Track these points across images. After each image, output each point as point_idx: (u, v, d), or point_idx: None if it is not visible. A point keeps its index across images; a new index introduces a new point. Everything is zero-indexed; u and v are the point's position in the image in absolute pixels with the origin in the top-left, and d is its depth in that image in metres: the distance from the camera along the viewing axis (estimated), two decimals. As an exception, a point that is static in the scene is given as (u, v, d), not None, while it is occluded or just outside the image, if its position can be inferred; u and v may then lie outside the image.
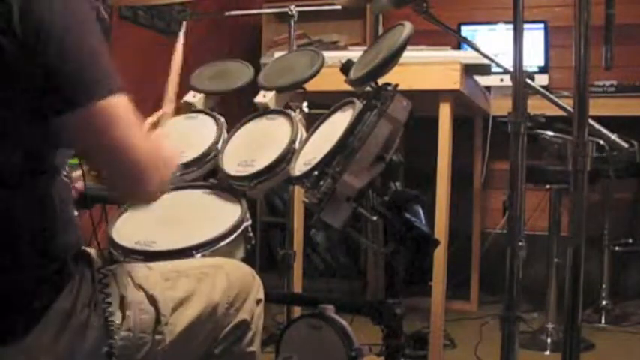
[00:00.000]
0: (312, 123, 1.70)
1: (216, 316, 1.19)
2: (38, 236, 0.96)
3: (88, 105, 0.93)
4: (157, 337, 1.08)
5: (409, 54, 1.64)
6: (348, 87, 1.67)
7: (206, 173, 1.74)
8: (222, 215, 1.57)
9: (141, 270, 1.15)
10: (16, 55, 0.89)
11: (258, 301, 1.29)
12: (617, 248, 3.23)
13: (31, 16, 0.89)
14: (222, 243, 1.48)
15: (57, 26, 0.91)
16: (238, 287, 1.24)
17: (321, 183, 1.44)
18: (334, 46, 3.61)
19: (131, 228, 1.53)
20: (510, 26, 1.53)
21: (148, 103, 3.30)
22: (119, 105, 0.96)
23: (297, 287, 2.50)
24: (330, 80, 1.77)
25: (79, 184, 1.31)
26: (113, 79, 0.97)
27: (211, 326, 1.18)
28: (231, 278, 1.24)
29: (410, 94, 1.54)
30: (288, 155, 1.62)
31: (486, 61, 2.30)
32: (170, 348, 1.10)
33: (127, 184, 1.02)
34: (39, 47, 0.89)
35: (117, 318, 1.04)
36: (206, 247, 1.45)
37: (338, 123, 1.57)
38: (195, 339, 1.16)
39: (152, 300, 1.09)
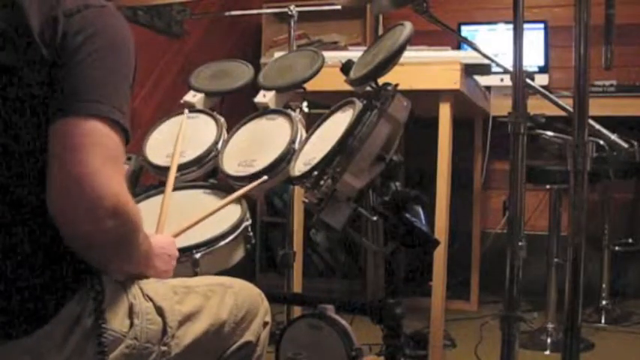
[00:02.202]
0: (312, 123, 1.70)
1: (223, 334, 1.19)
2: (54, 237, 0.97)
3: (84, 117, 0.93)
4: (163, 348, 1.09)
5: (409, 54, 1.64)
6: (348, 87, 1.67)
7: (206, 173, 1.74)
8: (222, 215, 1.57)
9: (150, 282, 1.15)
10: (51, 64, 0.95)
11: (265, 324, 1.30)
12: (617, 248, 3.23)
13: (72, 34, 0.96)
14: (222, 242, 1.48)
15: (91, 45, 0.97)
16: (246, 307, 1.25)
17: (321, 183, 1.44)
18: (334, 46, 3.61)
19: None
20: (510, 26, 1.53)
21: (148, 103, 3.30)
22: (113, 140, 0.96)
23: (297, 287, 2.50)
24: (330, 80, 1.77)
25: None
26: (121, 112, 0.97)
27: (217, 344, 1.19)
28: (240, 298, 1.25)
29: (410, 94, 1.54)
30: (288, 155, 1.62)
31: (486, 61, 2.30)
32: None
33: (77, 213, 0.93)
34: (68, 59, 0.95)
35: (124, 326, 1.04)
36: (206, 246, 1.45)
37: (338, 123, 1.57)
38: (201, 355, 1.16)
39: (160, 311, 1.10)
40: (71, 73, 0.96)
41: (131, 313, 1.06)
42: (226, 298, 1.22)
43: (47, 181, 0.93)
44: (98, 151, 0.93)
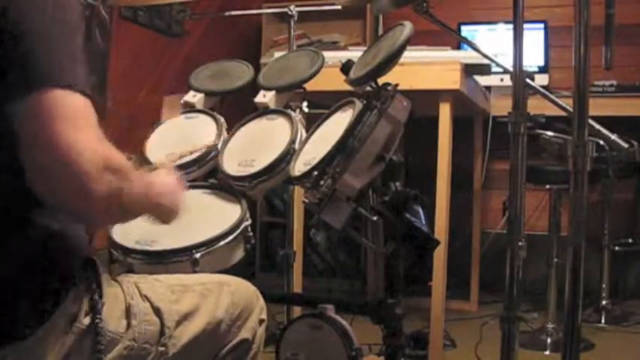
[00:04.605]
0: (312, 123, 1.70)
1: (219, 333, 1.19)
2: (43, 239, 0.96)
3: (39, 91, 0.88)
4: (160, 349, 1.08)
5: (409, 54, 1.64)
6: (348, 87, 1.67)
7: (206, 173, 1.74)
8: (222, 215, 1.57)
9: (148, 281, 1.15)
10: None
11: (260, 322, 1.30)
12: (617, 248, 3.23)
13: (12, 7, 0.90)
14: (222, 242, 1.48)
15: (36, 15, 0.91)
16: (242, 306, 1.25)
17: (321, 183, 1.44)
18: (334, 46, 3.61)
19: (131, 228, 1.53)
20: (510, 26, 1.53)
21: (148, 102, 3.31)
22: (73, 104, 0.90)
23: (297, 287, 2.50)
24: (330, 80, 1.77)
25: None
26: (74, 76, 0.91)
27: (213, 342, 1.19)
28: (236, 296, 1.24)
29: (410, 94, 1.54)
30: (288, 155, 1.62)
31: (486, 61, 2.30)
32: None
33: (66, 189, 0.88)
34: (11, 31, 0.90)
35: (122, 327, 1.04)
36: (206, 246, 1.45)
37: (338, 123, 1.57)
38: (197, 354, 1.16)
39: (157, 312, 1.09)
40: (18, 47, 0.90)
41: (128, 313, 1.05)
42: (222, 296, 1.22)
43: (27, 165, 0.88)
44: (72, 123, 0.88)
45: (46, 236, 0.96)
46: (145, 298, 1.10)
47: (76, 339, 0.98)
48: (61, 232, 0.97)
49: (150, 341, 1.07)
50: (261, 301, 1.32)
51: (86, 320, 0.99)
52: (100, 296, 1.01)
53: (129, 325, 1.05)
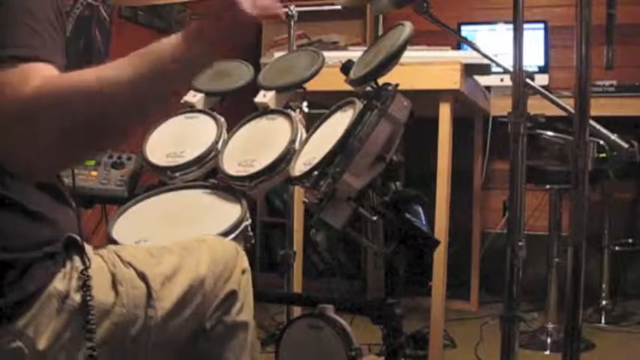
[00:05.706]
0: (312, 123, 1.70)
1: (204, 290, 1.19)
2: (20, 218, 0.97)
3: None
4: (149, 311, 1.09)
5: (409, 54, 1.64)
6: (348, 87, 1.67)
7: (206, 173, 1.74)
8: (222, 215, 1.57)
9: (127, 249, 1.16)
10: None
11: (243, 271, 1.29)
12: (617, 248, 3.24)
13: None
14: (222, 243, 1.48)
15: None
16: (224, 261, 1.25)
17: (321, 183, 1.44)
18: (334, 46, 3.61)
19: (131, 227, 1.53)
20: (510, 26, 1.53)
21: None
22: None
23: (297, 287, 2.50)
24: (330, 80, 1.77)
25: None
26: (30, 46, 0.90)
27: (200, 300, 1.19)
28: (215, 252, 1.25)
29: (410, 94, 1.54)
30: (288, 155, 1.62)
31: (486, 61, 2.30)
32: (162, 323, 1.11)
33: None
34: None
35: (110, 297, 1.05)
36: (206, 247, 1.45)
37: (338, 123, 1.57)
38: (185, 313, 1.16)
39: (142, 276, 1.10)
40: None
41: (114, 282, 1.06)
42: (202, 254, 1.22)
43: None
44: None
45: (23, 215, 0.96)
46: (128, 264, 1.10)
47: (68, 317, 0.99)
48: (38, 212, 0.98)
49: (139, 305, 1.08)
50: (242, 252, 1.32)
51: (77, 297, 1.00)
52: (87, 268, 1.02)
53: (117, 293, 1.06)
